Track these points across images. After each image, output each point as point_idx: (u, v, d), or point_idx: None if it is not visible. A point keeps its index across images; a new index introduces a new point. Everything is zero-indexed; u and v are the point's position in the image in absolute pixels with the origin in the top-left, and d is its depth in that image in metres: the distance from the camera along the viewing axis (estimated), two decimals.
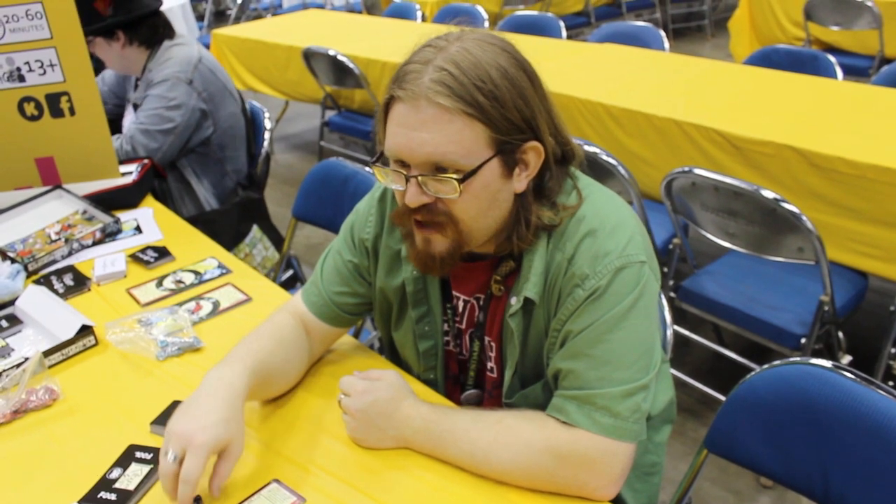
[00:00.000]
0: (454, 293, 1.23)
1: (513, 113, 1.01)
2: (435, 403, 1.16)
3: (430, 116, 0.99)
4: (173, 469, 0.98)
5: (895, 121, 2.62)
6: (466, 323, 1.24)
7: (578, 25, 5.84)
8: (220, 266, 1.66)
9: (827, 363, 1.21)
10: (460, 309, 1.24)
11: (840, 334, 2.20)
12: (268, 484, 1.08)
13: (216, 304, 1.52)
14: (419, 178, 1.02)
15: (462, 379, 1.30)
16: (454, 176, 1.01)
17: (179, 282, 1.61)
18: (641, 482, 1.30)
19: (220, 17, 8.47)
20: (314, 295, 1.31)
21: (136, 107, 2.30)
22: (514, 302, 1.13)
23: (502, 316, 1.17)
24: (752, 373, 1.27)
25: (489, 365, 1.25)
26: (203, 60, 2.28)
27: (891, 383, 1.17)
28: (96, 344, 1.40)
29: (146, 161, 2.14)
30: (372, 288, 1.30)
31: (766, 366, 1.26)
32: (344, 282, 1.30)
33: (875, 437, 1.14)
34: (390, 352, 1.40)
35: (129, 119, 2.39)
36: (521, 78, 1.02)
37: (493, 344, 1.22)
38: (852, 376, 1.17)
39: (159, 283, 1.61)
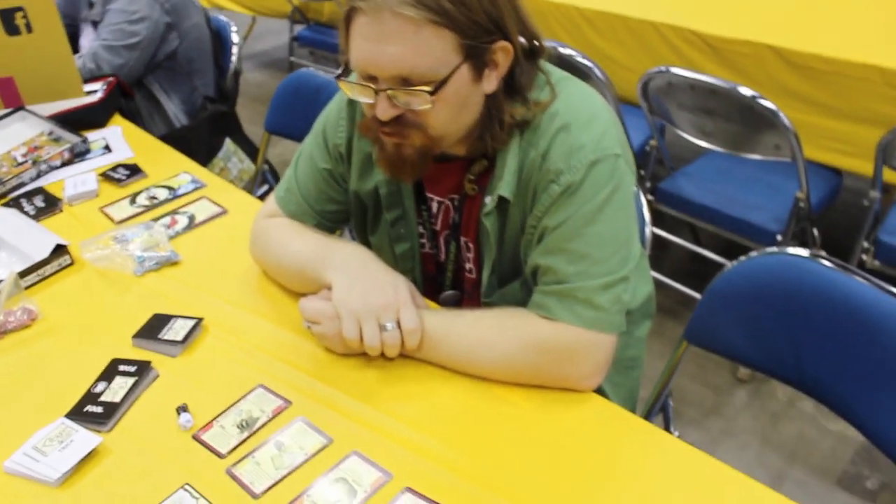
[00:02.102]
0: (428, 194, 1.22)
1: (480, 15, 0.98)
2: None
3: (396, 28, 0.95)
4: (398, 336, 1.06)
5: (870, 17, 2.60)
6: (441, 224, 1.24)
7: None
8: (194, 180, 1.63)
9: (804, 252, 1.23)
10: (434, 210, 1.23)
11: (815, 231, 2.22)
12: (254, 389, 1.08)
13: (192, 218, 1.50)
14: (389, 91, 1.00)
15: (440, 280, 1.30)
16: (425, 88, 0.98)
17: (153, 198, 1.58)
18: (622, 376, 1.33)
19: None
20: (292, 203, 1.29)
21: (95, 24, 2.21)
22: (489, 201, 1.12)
23: (478, 216, 1.16)
24: (731, 264, 1.28)
25: (467, 266, 1.25)
26: None
27: None
28: (72, 263, 1.39)
29: (111, 79, 2.08)
30: (348, 193, 1.29)
31: (743, 257, 1.27)
32: (321, 190, 1.28)
33: (848, 320, 1.17)
34: None
35: (87, 38, 2.31)
36: None
37: (469, 244, 1.22)
38: (829, 264, 1.19)
39: (132, 200, 1.58)
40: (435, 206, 1.23)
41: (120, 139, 1.87)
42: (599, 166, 1.05)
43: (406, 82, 0.99)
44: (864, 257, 2.12)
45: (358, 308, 1.06)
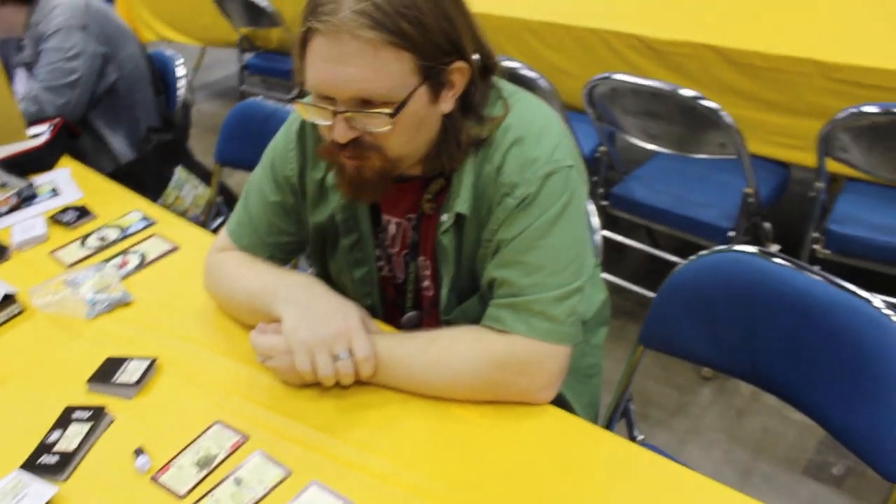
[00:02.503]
0: (384, 217, 1.23)
1: (438, 36, 0.99)
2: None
3: (355, 50, 0.95)
4: (351, 364, 1.06)
5: (805, 11, 2.66)
6: (399, 245, 1.24)
7: None
8: (145, 218, 1.62)
9: (752, 249, 1.25)
10: (392, 232, 1.23)
11: (767, 225, 2.26)
12: (211, 425, 1.08)
13: (143, 257, 1.49)
14: (347, 114, 1.00)
15: (400, 302, 1.30)
16: (384, 110, 0.99)
17: (103, 238, 1.57)
18: (582, 385, 1.34)
19: None
20: (245, 237, 1.29)
21: (28, 67, 2.19)
22: (446, 218, 1.13)
23: (434, 234, 1.17)
24: (680, 264, 1.30)
25: (425, 283, 1.26)
26: (91, 3, 2.18)
27: (817, 267, 1.21)
28: (22, 311, 1.37)
29: (57, 120, 2.06)
30: (303, 225, 1.28)
31: (692, 257, 1.29)
32: (272, 222, 1.28)
33: (797, 314, 1.19)
34: None
35: (21, 83, 2.27)
36: None
37: (428, 262, 1.23)
38: (777, 260, 1.22)
39: (83, 243, 1.57)
40: (393, 227, 1.23)
41: (68, 181, 1.86)
42: (553, 178, 1.07)
43: (365, 104, 0.99)
44: (816, 247, 2.16)
45: (308, 340, 1.06)
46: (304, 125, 1.23)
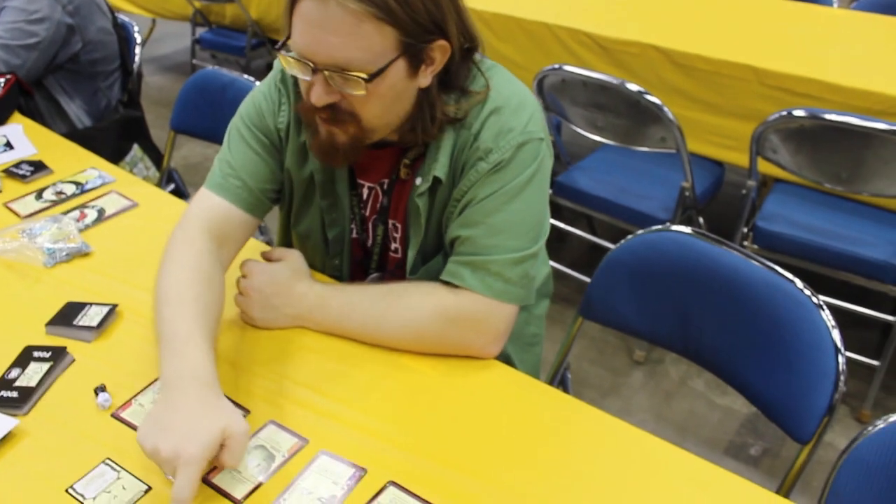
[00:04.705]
0: (359, 181, 1.27)
1: (422, 16, 1.01)
2: (329, 282, 1.22)
3: (339, 18, 0.98)
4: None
5: (746, 21, 2.80)
6: (370, 209, 1.29)
7: None
8: (102, 175, 1.64)
9: (687, 229, 1.35)
10: (365, 196, 1.28)
11: (700, 219, 2.38)
12: None
13: (101, 212, 1.51)
14: (326, 73, 1.03)
15: (366, 263, 1.35)
16: (361, 75, 1.02)
17: (60, 193, 1.58)
18: (525, 352, 1.42)
19: None
20: (234, 186, 1.23)
21: None
22: (420, 182, 1.18)
23: (407, 198, 1.22)
24: (620, 242, 1.39)
25: (393, 246, 1.31)
26: None
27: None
28: None
29: (10, 76, 2.05)
30: (282, 170, 1.28)
31: (630, 235, 1.38)
32: (265, 164, 1.25)
33: (725, 289, 1.29)
34: (285, 246, 1.42)
35: None
36: None
37: (398, 225, 1.28)
38: (707, 239, 1.31)
39: (39, 196, 1.58)
40: (366, 192, 1.27)
41: (21, 136, 1.86)
42: (526, 148, 1.13)
43: (342, 70, 1.02)
44: (745, 243, 2.29)
45: (145, 445, 0.91)
46: (285, 77, 1.24)
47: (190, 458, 0.87)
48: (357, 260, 1.35)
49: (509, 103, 1.15)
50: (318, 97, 1.05)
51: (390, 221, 1.28)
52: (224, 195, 1.23)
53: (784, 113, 2.00)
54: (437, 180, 1.17)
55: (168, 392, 0.96)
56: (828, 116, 1.94)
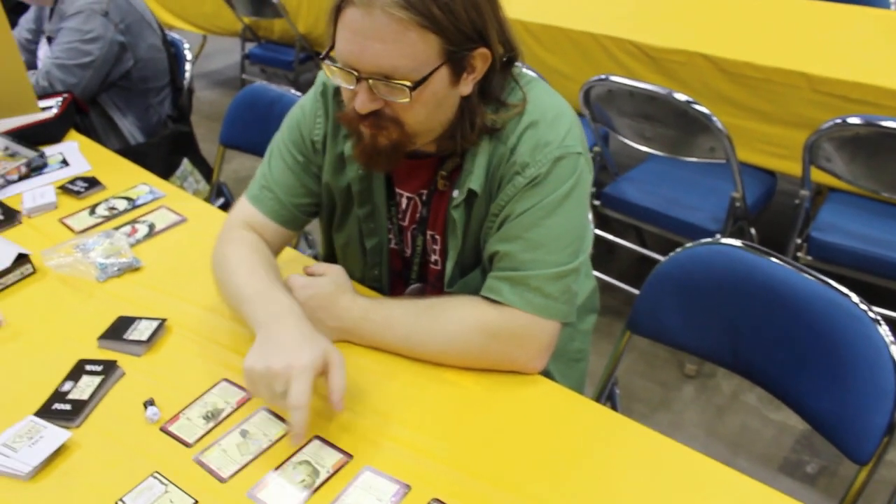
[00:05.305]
0: (397, 190, 1.28)
1: (465, 24, 1.03)
2: (372, 296, 1.23)
3: (384, 26, 0.99)
4: (283, 405, 0.99)
5: (798, 25, 2.75)
6: (409, 220, 1.29)
7: None
8: (153, 191, 1.67)
9: (736, 242, 1.32)
10: (403, 206, 1.28)
11: (752, 230, 2.34)
12: (218, 382, 1.14)
13: (152, 226, 1.54)
14: (370, 81, 1.04)
15: (406, 274, 1.36)
16: (405, 82, 1.03)
17: (112, 208, 1.62)
18: (569, 368, 1.40)
19: None
20: (268, 199, 1.30)
21: (50, 39, 2.24)
22: (457, 195, 1.18)
23: (446, 209, 1.22)
24: (668, 256, 1.37)
25: (433, 258, 1.31)
26: None
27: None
28: (34, 272, 1.42)
29: (67, 95, 2.10)
30: (321, 184, 1.31)
31: (679, 249, 1.36)
32: (296, 184, 1.30)
33: (776, 304, 1.26)
34: (329, 259, 1.44)
35: (43, 52, 2.33)
36: None
37: (437, 237, 1.28)
38: (758, 252, 1.28)
39: (92, 211, 1.62)
40: (404, 202, 1.28)
41: (77, 153, 1.90)
42: (563, 162, 1.13)
43: (387, 78, 1.03)
44: (799, 254, 2.24)
45: (255, 369, 1.02)
46: (326, 90, 1.26)
47: (303, 367, 0.98)
48: (396, 271, 1.36)
49: (545, 117, 1.14)
50: (363, 104, 1.06)
51: (429, 233, 1.28)
52: (258, 206, 1.31)
53: (838, 120, 1.95)
54: (472, 193, 1.17)
55: (268, 328, 1.07)
56: (884, 123, 1.89)
